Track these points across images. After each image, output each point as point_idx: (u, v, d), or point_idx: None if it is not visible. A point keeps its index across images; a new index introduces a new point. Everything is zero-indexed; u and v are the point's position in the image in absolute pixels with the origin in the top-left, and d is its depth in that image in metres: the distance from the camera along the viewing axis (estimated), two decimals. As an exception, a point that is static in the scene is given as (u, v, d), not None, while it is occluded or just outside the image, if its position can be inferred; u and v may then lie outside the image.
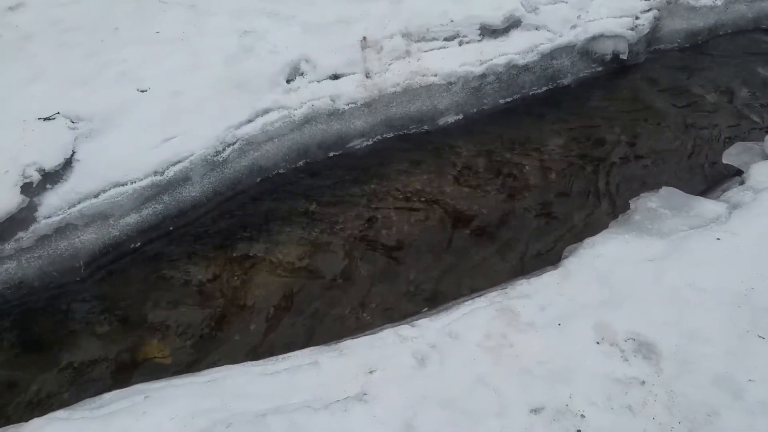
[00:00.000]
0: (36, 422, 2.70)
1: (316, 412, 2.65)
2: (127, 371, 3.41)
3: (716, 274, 3.23)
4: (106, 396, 2.88)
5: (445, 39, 5.23)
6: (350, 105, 4.78)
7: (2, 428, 2.80)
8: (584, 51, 5.54)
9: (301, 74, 4.81)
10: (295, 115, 4.59)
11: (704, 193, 4.24)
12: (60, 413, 2.77)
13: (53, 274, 3.86)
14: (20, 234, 3.71)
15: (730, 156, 4.62)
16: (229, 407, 2.70)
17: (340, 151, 4.87)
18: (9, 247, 3.69)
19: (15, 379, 3.40)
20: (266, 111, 4.53)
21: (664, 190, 3.96)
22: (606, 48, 5.59)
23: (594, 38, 5.51)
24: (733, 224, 3.55)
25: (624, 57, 5.63)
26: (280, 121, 4.54)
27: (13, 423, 2.85)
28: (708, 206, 3.79)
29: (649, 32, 5.74)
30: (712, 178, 4.58)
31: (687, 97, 5.47)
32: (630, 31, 5.57)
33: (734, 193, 3.94)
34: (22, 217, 3.73)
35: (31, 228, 3.74)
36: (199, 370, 3.10)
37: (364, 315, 3.65)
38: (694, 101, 5.41)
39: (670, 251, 3.39)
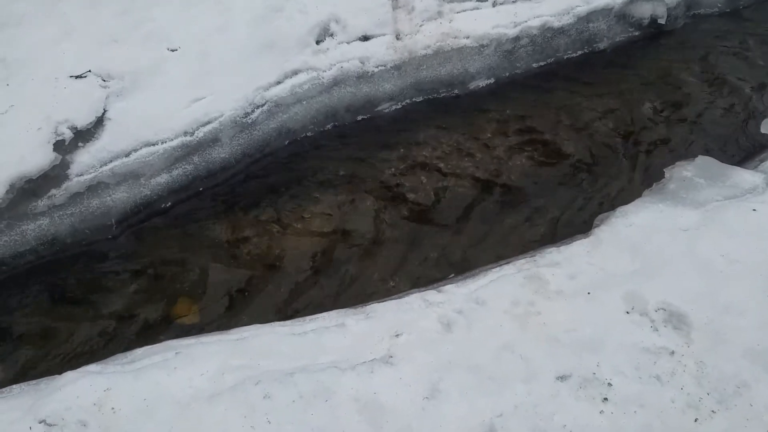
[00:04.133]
0: (69, 375, 2.76)
1: (343, 372, 2.68)
2: (158, 328, 3.47)
3: (751, 245, 3.17)
4: (138, 351, 2.94)
5: (478, 0, 5.12)
6: (379, 67, 4.72)
7: (36, 380, 2.87)
8: (621, 14, 5.38)
9: (331, 35, 4.74)
10: (324, 77, 4.55)
11: (741, 162, 4.13)
12: (92, 367, 2.82)
13: (85, 231, 3.92)
14: (53, 191, 3.77)
15: (769, 125, 4.50)
16: (257, 365, 2.74)
17: (368, 115, 4.82)
18: (42, 203, 3.74)
19: (48, 333, 3.48)
20: (295, 72, 4.50)
21: (700, 159, 3.87)
22: (644, 12, 5.42)
23: (632, 1, 5.35)
24: (771, 195, 3.47)
25: (662, 21, 5.46)
26: (309, 83, 4.50)
27: (47, 376, 2.91)
28: (744, 176, 3.70)
29: (689, -4, 5.57)
30: (750, 148, 4.46)
31: (726, 64, 5.30)
32: (669, -5, 5.42)
33: (772, 163, 3.84)
34: (54, 175, 3.78)
35: (64, 185, 3.79)
36: (228, 328, 3.14)
37: (391, 279, 3.66)
38: (733, 69, 5.24)
39: (705, 221, 3.32)
